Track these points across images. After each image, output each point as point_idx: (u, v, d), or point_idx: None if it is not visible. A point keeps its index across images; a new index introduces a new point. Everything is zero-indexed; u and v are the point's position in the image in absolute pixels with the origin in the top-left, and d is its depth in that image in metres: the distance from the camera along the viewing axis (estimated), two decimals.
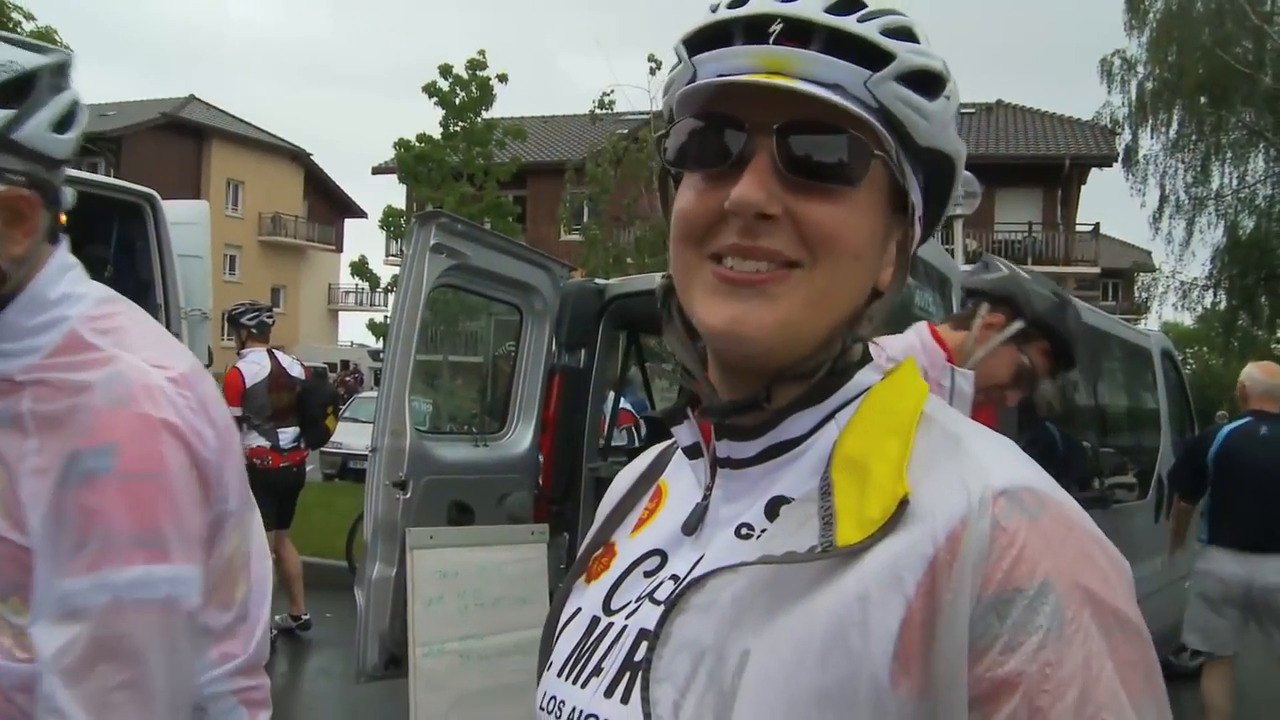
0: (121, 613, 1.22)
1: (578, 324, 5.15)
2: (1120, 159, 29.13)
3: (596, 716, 0.88)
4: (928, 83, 0.88)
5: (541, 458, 5.10)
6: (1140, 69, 27.56)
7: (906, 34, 0.87)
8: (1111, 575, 0.81)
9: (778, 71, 0.84)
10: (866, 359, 0.93)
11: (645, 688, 0.83)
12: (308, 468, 7.96)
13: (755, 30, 0.85)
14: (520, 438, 5.09)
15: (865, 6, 0.86)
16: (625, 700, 0.86)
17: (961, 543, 0.78)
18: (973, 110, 35.58)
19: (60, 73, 1.35)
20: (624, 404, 7.66)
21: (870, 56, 0.85)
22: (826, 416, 0.90)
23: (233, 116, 45.97)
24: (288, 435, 7.37)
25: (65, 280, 1.35)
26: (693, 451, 0.96)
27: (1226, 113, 26.44)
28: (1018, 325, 2.92)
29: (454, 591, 4.19)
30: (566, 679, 0.93)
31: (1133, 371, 6.51)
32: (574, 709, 0.90)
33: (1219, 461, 5.49)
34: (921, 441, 0.85)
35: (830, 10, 0.85)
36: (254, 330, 7.51)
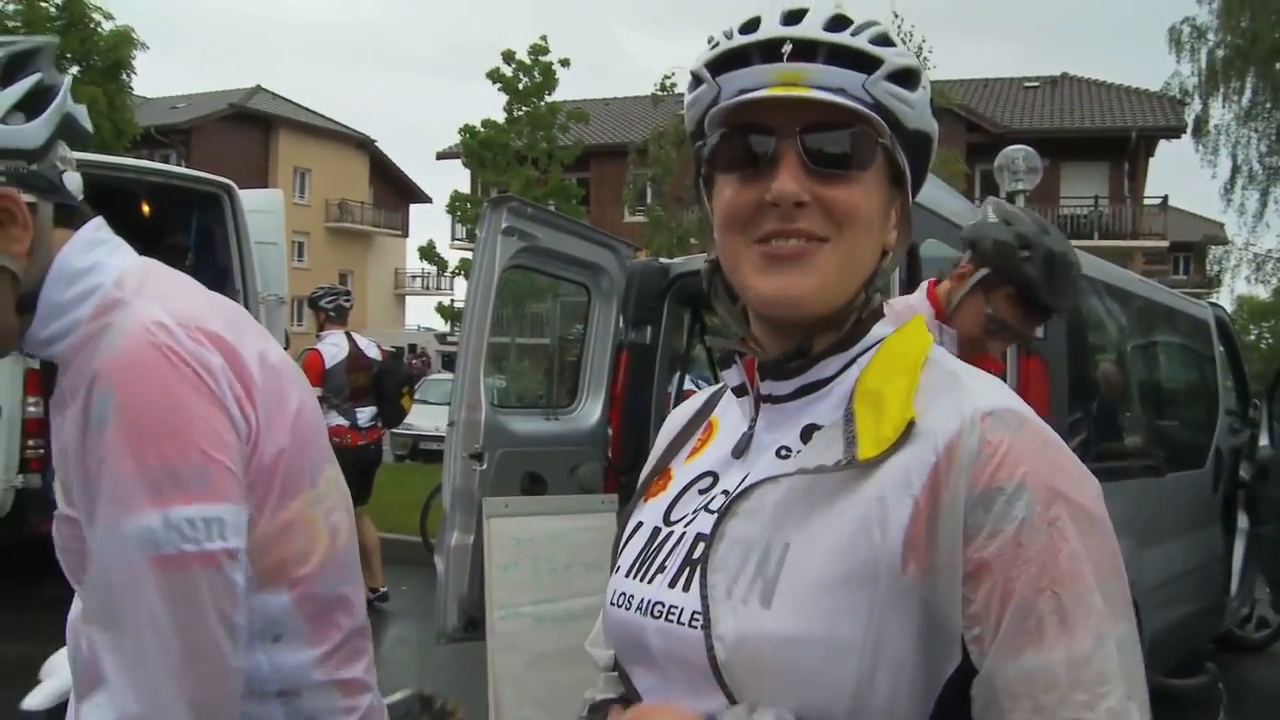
0: (153, 565, 1.17)
1: (643, 302, 5.30)
2: (1190, 130, 28.56)
3: (663, 604, 1.08)
4: (908, 78, 1.07)
5: (610, 431, 5.26)
6: (1211, 36, 26.99)
7: (888, 41, 1.07)
8: (1080, 480, 1.00)
9: (792, 83, 1.04)
10: (880, 314, 1.14)
11: (704, 576, 1.04)
12: (383, 449, 8.18)
13: (769, 51, 1.05)
14: (590, 411, 5.26)
15: (853, 23, 1.06)
16: (686, 589, 1.06)
17: (956, 452, 0.98)
18: (1037, 84, 35.10)
19: (17, 63, 1.32)
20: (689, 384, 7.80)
21: (863, 63, 1.05)
22: (850, 361, 1.10)
23: (298, 105, 46.60)
24: (365, 414, 7.59)
25: (94, 253, 1.34)
26: (740, 390, 1.17)
27: None
28: (981, 273, 2.77)
29: (528, 557, 4.36)
30: (633, 578, 1.13)
31: (1189, 342, 6.53)
32: (642, 600, 1.10)
33: None
34: (926, 378, 1.06)
35: (827, 29, 1.05)
36: (332, 314, 7.73)
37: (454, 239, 30.52)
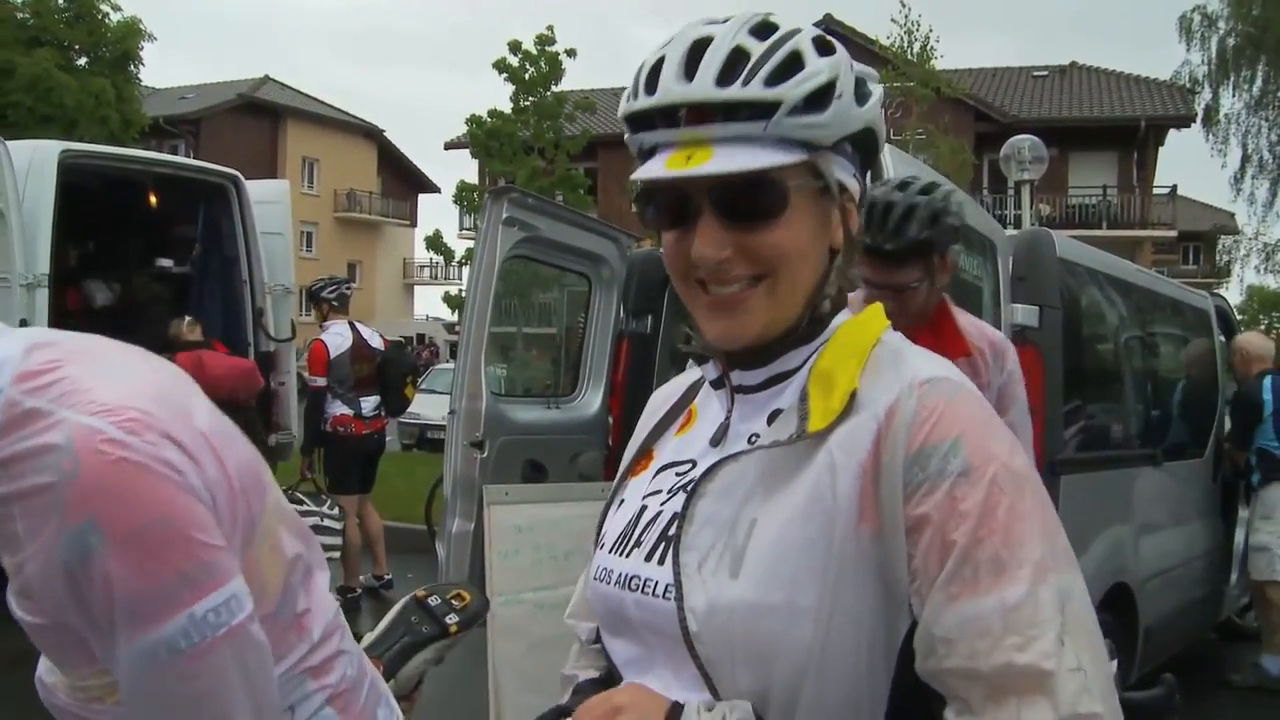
0: (186, 662, 1.19)
1: (644, 291, 5.33)
2: (1200, 119, 28.45)
3: (639, 577, 1.15)
4: (817, 99, 1.08)
5: (611, 419, 5.31)
6: (1221, 25, 26.94)
7: (790, 66, 1.07)
8: (1013, 448, 1.05)
9: (697, 142, 1.07)
10: (843, 305, 1.20)
11: (676, 555, 1.10)
12: (386, 438, 8.22)
13: (669, 116, 1.08)
14: (591, 400, 5.31)
15: (747, 61, 1.06)
16: (661, 562, 1.13)
17: (895, 416, 1.05)
18: (1046, 73, 34.98)
19: None
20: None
21: (762, 110, 1.06)
22: (814, 351, 1.16)
23: (307, 95, 46.65)
24: (369, 403, 7.62)
25: None
26: (717, 383, 1.23)
27: None
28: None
29: (528, 545, 4.39)
30: (614, 553, 1.20)
31: (1189, 332, 6.54)
32: (621, 574, 1.17)
33: None
34: (874, 357, 1.12)
35: (720, 82, 1.06)
36: (335, 303, 7.75)
37: (461, 228, 30.57)
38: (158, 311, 9.35)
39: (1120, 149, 32.25)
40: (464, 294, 4.82)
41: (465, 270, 28.51)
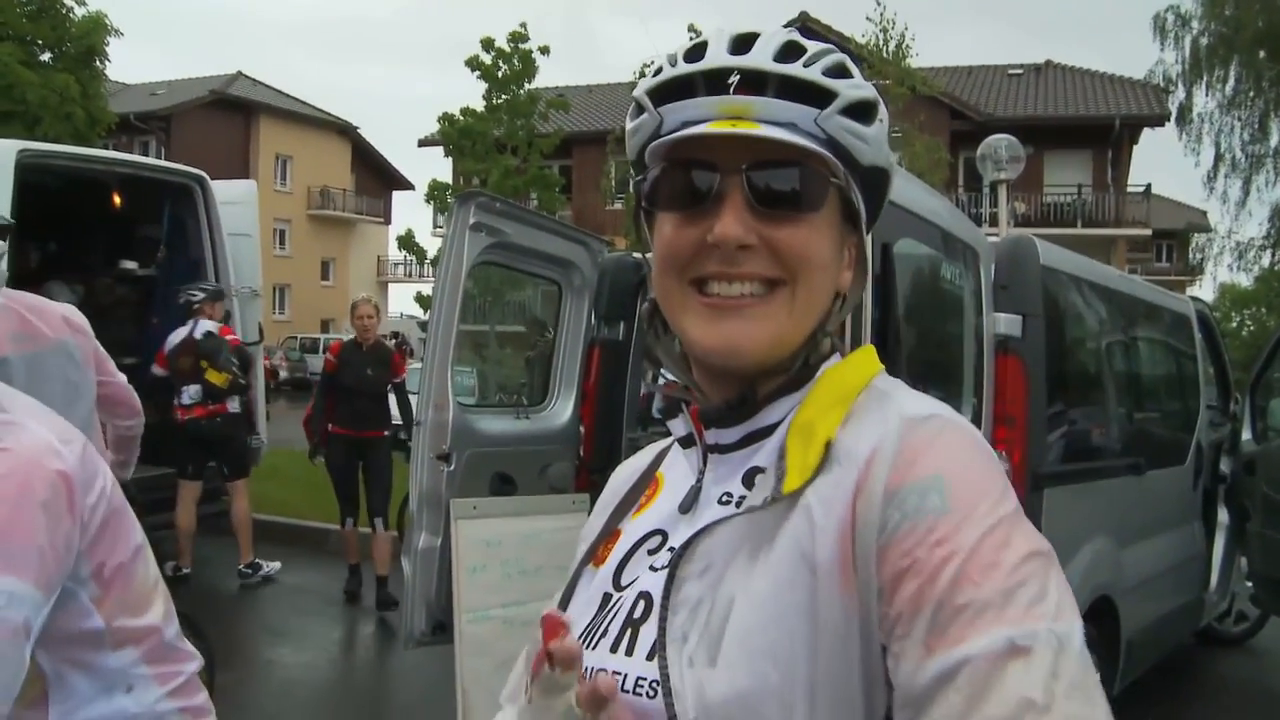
0: None
1: (616, 298, 5.23)
2: (1173, 118, 28.59)
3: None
4: (865, 111, 1.00)
5: (582, 429, 5.19)
6: (1195, 24, 27.07)
7: (843, 71, 1.00)
8: (1004, 486, 0.89)
9: (738, 117, 0.96)
10: (833, 352, 1.05)
11: (663, 649, 0.94)
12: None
13: (715, 81, 0.97)
14: (561, 410, 5.18)
15: (806, 51, 0.98)
16: (629, 653, 0.98)
17: (874, 462, 0.90)
18: (1021, 72, 35.07)
19: None
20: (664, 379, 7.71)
21: (816, 96, 0.97)
22: (796, 402, 1.01)
23: (280, 92, 46.28)
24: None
25: None
26: (686, 441, 1.08)
27: None
28: None
29: (497, 560, 4.30)
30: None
31: (1170, 338, 6.45)
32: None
33: None
34: (859, 403, 0.98)
35: (778, 58, 0.97)
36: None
37: (435, 226, 30.36)
38: (122, 314, 9.22)
39: (1095, 147, 32.36)
40: (431, 300, 4.69)
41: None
